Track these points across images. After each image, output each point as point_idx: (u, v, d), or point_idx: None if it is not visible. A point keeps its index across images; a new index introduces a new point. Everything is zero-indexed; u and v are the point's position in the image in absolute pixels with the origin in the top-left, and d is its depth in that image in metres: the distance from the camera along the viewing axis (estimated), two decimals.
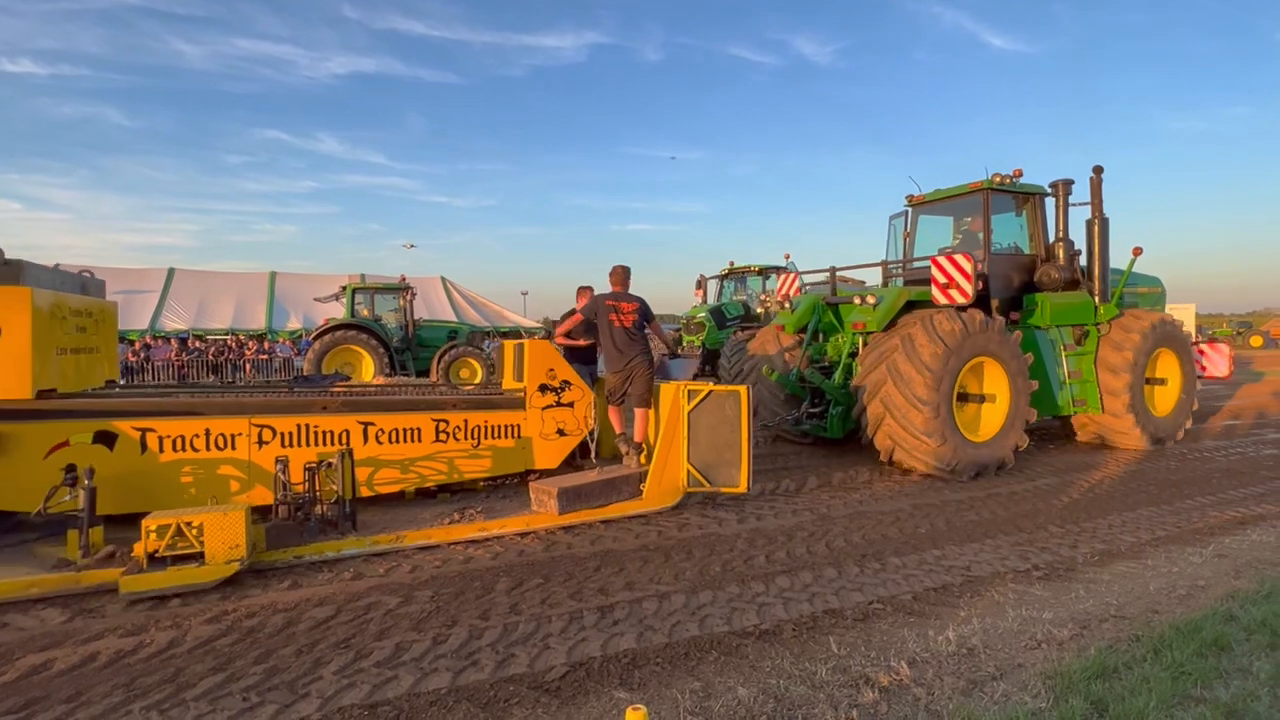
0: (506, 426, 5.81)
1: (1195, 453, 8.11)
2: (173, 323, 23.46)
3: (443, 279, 30.43)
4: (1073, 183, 8.17)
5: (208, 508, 4.07)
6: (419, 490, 5.60)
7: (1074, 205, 8.23)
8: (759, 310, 14.87)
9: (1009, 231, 8.43)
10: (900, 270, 8.86)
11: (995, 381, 7.15)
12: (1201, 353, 9.67)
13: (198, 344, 21.82)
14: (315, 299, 19.73)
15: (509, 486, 6.02)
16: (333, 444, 5.11)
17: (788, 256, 15.09)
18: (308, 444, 5.07)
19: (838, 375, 7.76)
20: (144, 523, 3.80)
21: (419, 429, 5.48)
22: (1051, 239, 8.29)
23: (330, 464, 4.76)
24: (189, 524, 3.84)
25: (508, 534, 4.82)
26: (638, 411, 5.97)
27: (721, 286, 16.10)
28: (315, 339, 14.19)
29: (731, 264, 15.78)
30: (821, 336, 8.39)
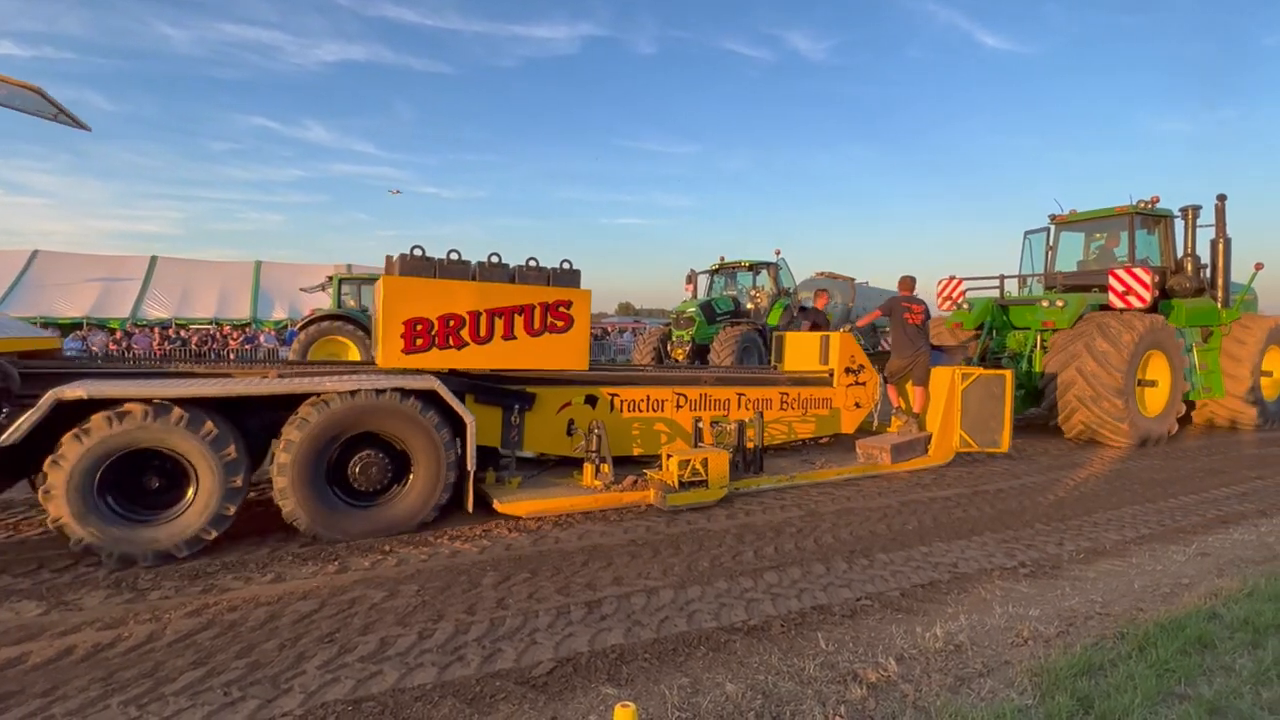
0: (822, 399, 7.34)
1: (1179, 452, 8.22)
2: (155, 311, 23.14)
3: None
4: (1200, 208, 9.61)
5: (708, 447, 5.57)
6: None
7: (1200, 226, 9.62)
8: (749, 306, 14.85)
9: (1140, 247, 9.72)
10: (1042, 279, 10.40)
11: (1158, 370, 8.71)
12: None
13: (180, 333, 21.51)
14: (301, 289, 19.48)
15: (810, 447, 7.51)
16: (720, 409, 6.52)
17: (778, 252, 15.11)
18: (706, 408, 6.44)
19: (1023, 364, 9.13)
20: (667, 458, 5.21)
21: (771, 399, 6.91)
22: (1180, 254, 9.71)
23: (731, 423, 6.14)
24: (701, 460, 5.18)
25: (855, 477, 6.40)
26: (918, 389, 7.36)
27: (711, 281, 16.04)
28: (301, 329, 13.98)
29: (722, 259, 15.72)
30: (995, 333, 9.87)
